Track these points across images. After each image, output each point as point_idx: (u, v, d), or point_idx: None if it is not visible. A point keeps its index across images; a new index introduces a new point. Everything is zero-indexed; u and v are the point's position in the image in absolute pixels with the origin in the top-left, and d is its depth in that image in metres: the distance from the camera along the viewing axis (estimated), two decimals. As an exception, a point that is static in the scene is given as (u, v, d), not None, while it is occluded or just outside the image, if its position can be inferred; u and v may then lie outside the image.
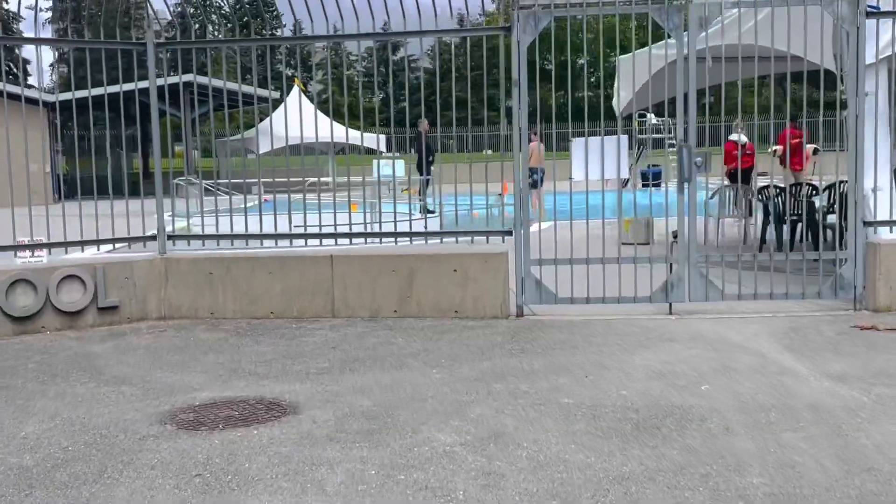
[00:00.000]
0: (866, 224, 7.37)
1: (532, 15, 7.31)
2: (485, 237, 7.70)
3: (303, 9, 7.55)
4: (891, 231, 7.49)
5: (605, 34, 7.80)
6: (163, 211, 8.02)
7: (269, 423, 4.85)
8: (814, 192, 12.00)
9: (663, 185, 33.46)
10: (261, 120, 34.18)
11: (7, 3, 49.52)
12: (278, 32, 79.19)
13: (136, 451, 4.43)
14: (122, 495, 3.85)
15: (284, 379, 5.78)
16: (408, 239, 7.82)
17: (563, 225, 7.60)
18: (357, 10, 7.55)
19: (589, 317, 7.41)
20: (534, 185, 18.65)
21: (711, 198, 13.09)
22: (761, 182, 15.10)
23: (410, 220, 8.50)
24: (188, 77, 30.09)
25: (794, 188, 11.92)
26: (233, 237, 7.99)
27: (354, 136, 33.34)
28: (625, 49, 16.46)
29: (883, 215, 7.46)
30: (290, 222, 7.94)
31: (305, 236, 7.90)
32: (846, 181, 7.53)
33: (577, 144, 7.49)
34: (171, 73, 8.49)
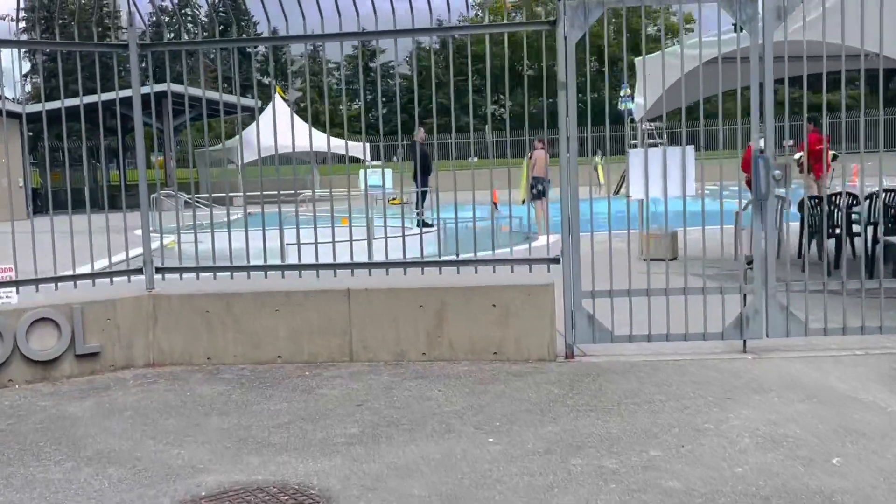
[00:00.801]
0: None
1: (581, 6, 6.26)
2: (526, 265, 6.63)
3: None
4: None
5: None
6: (149, 240, 6.91)
7: (300, 527, 3.77)
8: (854, 201, 11.05)
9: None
10: (241, 129, 33.05)
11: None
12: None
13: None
14: None
15: (308, 452, 4.69)
16: (436, 269, 6.73)
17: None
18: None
19: (651, 358, 6.37)
20: (539, 195, 17.66)
21: (744, 209, 12.10)
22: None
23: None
24: (161, 87, 28.90)
25: (832, 198, 10.95)
26: (232, 269, 6.89)
27: (337, 144, 32.35)
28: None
29: None
30: (298, 250, 6.85)
31: (317, 267, 6.80)
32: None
33: (635, 156, 6.44)
34: (156, 79, 7.38)
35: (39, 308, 6.35)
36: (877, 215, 9.97)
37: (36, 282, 6.60)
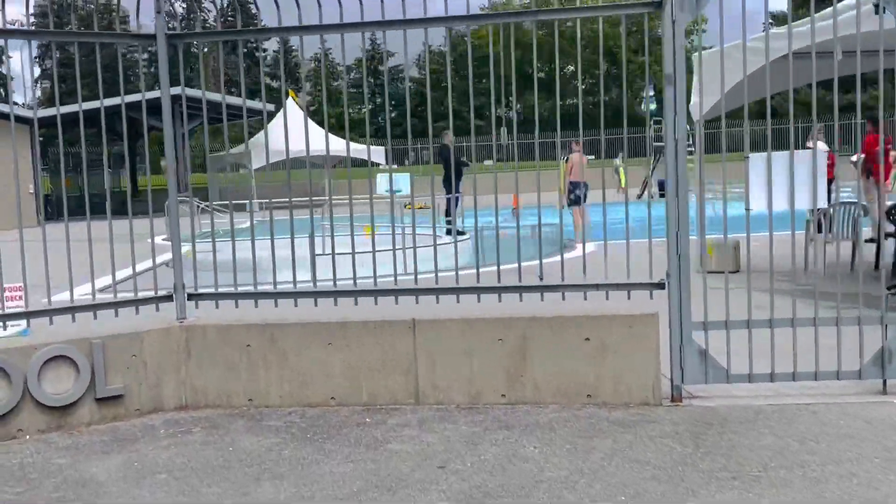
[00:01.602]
0: None
1: (695, -14, 5.28)
2: (625, 291, 5.64)
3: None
4: None
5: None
6: (181, 262, 5.94)
7: None
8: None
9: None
10: (253, 134, 32.14)
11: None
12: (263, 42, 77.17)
13: None
14: None
15: (392, 539, 3.72)
16: (516, 294, 5.73)
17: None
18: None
19: (775, 401, 5.38)
20: (576, 200, 16.67)
21: (815, 218, 11.11)
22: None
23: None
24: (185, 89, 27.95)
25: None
26: (277, 296, 5.91)
27: (355, 148, 31.31)
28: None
29: None
30: (353, 270, 5.88)
31: (376, 293, 5.83)
32: None
33: (756, 162, 5.45)
34: (188, 72, 6.42)
35: (53, 344, 5.39)
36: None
37: (50, 313, 5.64)
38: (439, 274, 5.91)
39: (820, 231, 12.29)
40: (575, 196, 16.42)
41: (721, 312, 5.46)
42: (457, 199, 16.35)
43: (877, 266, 10.03)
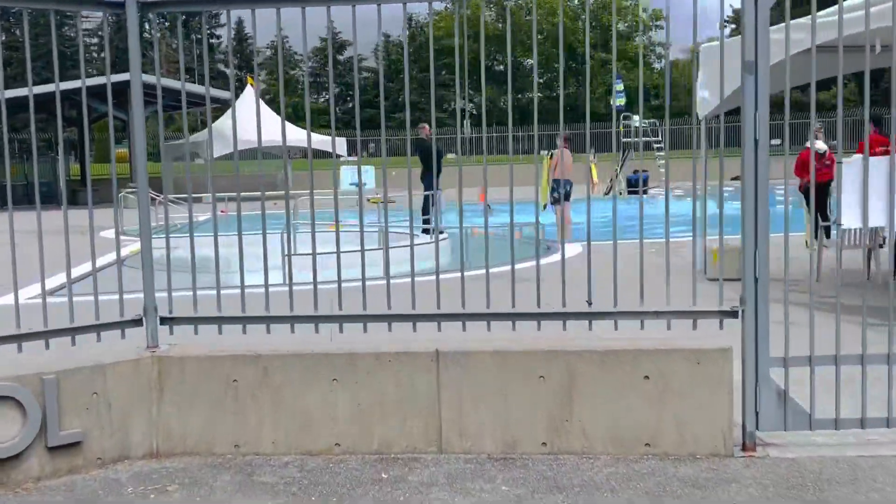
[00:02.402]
0: None
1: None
2: (690, 319, 4.74)
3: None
4: None
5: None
6: (152, 276, 4.91)
7: None
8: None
9: (654, 191, 31.05)
10: (213, 121, 30.81)
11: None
12: (217, 31, 75.06)
13: None
14: None
15: None
16: (560, 322, 4.80)
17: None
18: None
19: (866, 452, 4.54)
20: (560, 199, 15.82)
21: (835, 222, 10.35)
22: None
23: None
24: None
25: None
26: (270, 320, 4.92)
27: (319, 139, 30.13)
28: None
29: None
30: (363, 290, 4.91)
31: (390, 318, 4.86)
32: None
33: (851, 170, 4.59)
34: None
35: (-6, 382, 4.35)
36: None
37: (-11, 342, 4.59)
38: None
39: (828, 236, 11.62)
40: (559, 194, 15.57)
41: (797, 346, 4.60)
42: (437, 196, 15.39)
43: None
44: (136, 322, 4.92)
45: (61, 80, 5.47)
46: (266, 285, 4.89)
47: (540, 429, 4.65)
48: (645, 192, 31.69)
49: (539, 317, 4.81)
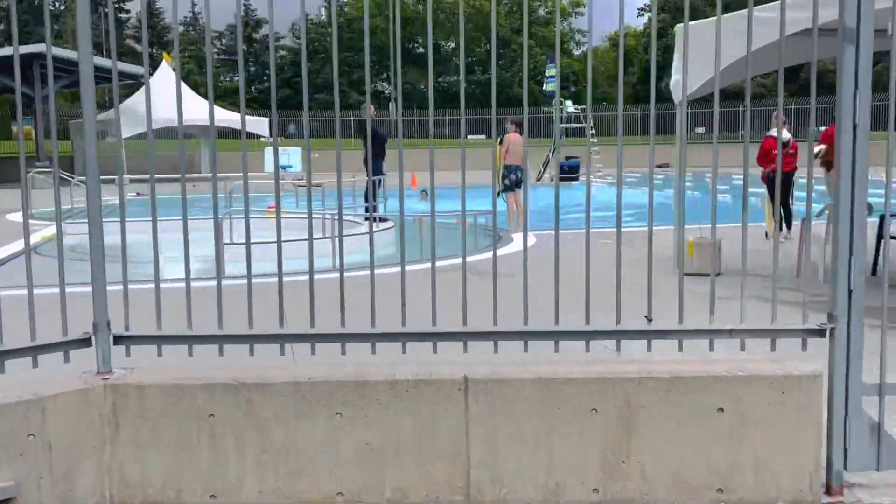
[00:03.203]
0: None
1: None
2: (768, 339, 3.96)
3: None
4: None
5: None
6: (104, 286, 3.89)
7: None
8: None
9: (582, 178, 30.65)
10: (122, 99, 29.17)
11: None
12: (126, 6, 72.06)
13: None
14: None
15: None
16: (612, 341, 3.97)
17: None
18: None
19: (974, 496, 3.87)
20: (511, 186, 15.07)
21: (818, 215, 9.83)
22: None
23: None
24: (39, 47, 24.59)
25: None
26: (254, 339, 3.95)
27: (236, 117, 28.85)
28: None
29: None
30: (371, 302, 3.99)
31: (405, 337, 3.95)
32: None
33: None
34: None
35: None
36: None
37: None
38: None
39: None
40: (510, 181, 14.80)
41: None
42: (380, 181, 14.45)
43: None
44: (84, 342, 3.89)
45: None
46: (249, 300, 3.93)
47: (590, 472, 3.82)
48: (575, 178, 31.40)
49: (588, 336, 3.96)
